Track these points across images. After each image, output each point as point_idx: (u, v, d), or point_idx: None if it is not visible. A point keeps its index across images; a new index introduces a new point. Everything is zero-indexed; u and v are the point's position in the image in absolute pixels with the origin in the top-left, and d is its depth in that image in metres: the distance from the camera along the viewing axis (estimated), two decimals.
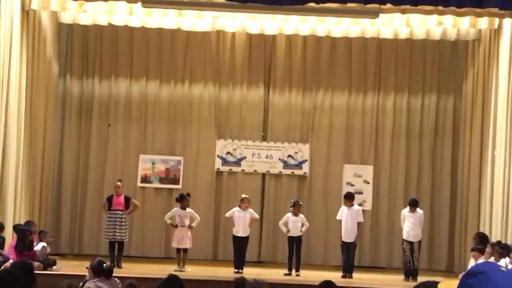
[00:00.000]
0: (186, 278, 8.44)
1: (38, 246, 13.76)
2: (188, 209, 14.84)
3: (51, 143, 16.93)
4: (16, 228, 13.68)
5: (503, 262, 11.89)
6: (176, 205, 15.15)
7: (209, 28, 16.58)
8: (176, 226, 14.80)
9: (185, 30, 16.78)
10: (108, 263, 9.48)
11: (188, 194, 15.04)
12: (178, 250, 14.77)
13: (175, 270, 13.73)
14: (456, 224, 17.19)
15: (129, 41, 17.75)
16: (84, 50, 17.84)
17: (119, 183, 15.25)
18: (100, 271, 8.91)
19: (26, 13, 15.31)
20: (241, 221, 14.98)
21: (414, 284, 14.32)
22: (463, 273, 2.36)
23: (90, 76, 17.84)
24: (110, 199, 15.09)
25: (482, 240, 13.50)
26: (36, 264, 12.47)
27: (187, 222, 14.75)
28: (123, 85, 17.84)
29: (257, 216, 15.45)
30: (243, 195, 15.29)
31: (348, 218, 15.02)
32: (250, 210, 15.16)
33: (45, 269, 12.99)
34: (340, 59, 17.81)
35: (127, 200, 15.15)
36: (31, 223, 14.17)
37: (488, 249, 12.81)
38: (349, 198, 15.21)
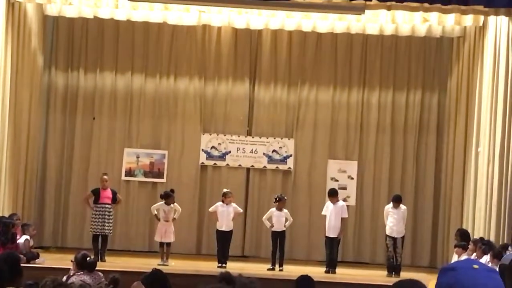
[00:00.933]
0: (169, 272, 8.47)
1: (21, 239, 13.71)
2: (172, 204, 14.83)
3: (35, 135, 16.87)
4: None
5: (484, 258, 11.96)
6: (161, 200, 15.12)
7: (195, 22, 16.56)
8: (159, 220, 14.79)
9: (171, 24, 16.76)
10: (92, 257, 9.48)
11: (172, 190, 15.03)
12: (162, 244, 14.78)
13: (159, 264, 13.73)
14: (439, 220, 17.28)
15: (115, 34, 17.70)
16: (69, 42, 17.78)
17: (106, 177, 15.23)
18: (84, 265, 8.91)
19: (12, 5, 15.24)
20: (225, 215, 14.99)
21: (397, 279, 14.49)
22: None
23: (75, 69, 17.78)
24: (97, 192, 15.03)
25: (464, 237, 13.57)
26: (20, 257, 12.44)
27: (171, 217, 14.76)
28: (108, 78, 17.80)
29: (240, 210, 15.46)
30: (226, 190, 15.30)
31: (332, 214, 15.05)
32: (234, 204, 15.17)
33: (28, 262, 12.93)
34: (325, 54, 17.83)
35: (114, 194, 15.14)
36: (14, 216, 14.12)
37: (471, 246, 12.90)
38: (334, 195, 15.24)
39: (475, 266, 2.28)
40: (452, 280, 2.22)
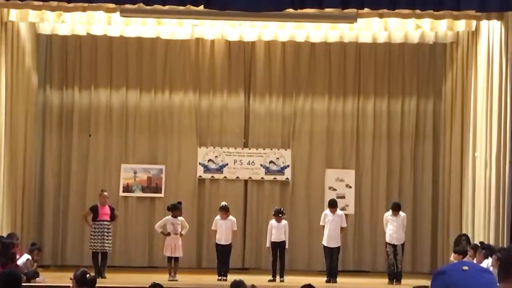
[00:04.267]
0: (171, 287, 8.47)
1: (23, 258, 13.68)
2: (179, 217, 14.79)
3: (32, 154, 16.85)
4: None
5: (486, 262, 11.96)
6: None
7: (188, 36, 16.58)
8: (169, 234, 14.70)
9: (164, 38, 16.79)
10: (92, 274, 9.44)
11: (180, 203, 15.01)
12: (170, 258, 14.68)
13: (169, 280, 13.74)
14: (439, 226, 17.28)
15: (108, 50, 17.72)
16: (63, 60, 17.79)
17: (106, 193, 15.20)
18: (83, 282, 8.86)
19: (4, 24, 15.25)
20: (223, 229, 14.96)
21: (399, 287, 14.36)
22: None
23: (70, 87, 17.78)
24: (95, 210, 15.00)
25: (463, 242, 13.59)
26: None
27: (179, 230, 14.68)
28: (103, 95, 17.80)
29: (235, 228, 15.31)
30: (222, 204, 15.24)
31: (331, 224, 15.04)
32: (231, 218, 15.12)
33: (28, 281, 12.90)
34: (319, 64, 17.87)
35: (112, 210, 15.12)
36: (13, 236, 14.08)
37: (470, 252, 12.90)
38: (333, 205, 15.22)
39: (465, 268, 2.28)
40: (443, 284, 2.22)
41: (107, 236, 14.84)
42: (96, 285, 9.12)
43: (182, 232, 14.73)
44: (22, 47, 16.12)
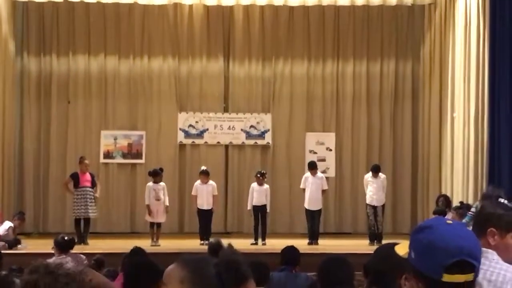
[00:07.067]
0: (155, 251, 8.51)
1: (4, 226, 13.69)
2: (161, 183, 14.80)
3: (10, 122, 16.77)
4: None
5: (463, 222, 12.10)
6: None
7: (166, 1, 16.48)
8: (150, 213, 14.70)
9: (141, 3, 16.68)
10: (70, 237, 9.44)
11: (161, 169, 15.00)
12: (152, 224, 14.73)
13: (151, 245, 13.79)
14: (418, 187, 17.44)
15: (86, 16, 17.58)
16: (40, 27, 17.64)
17: (87, 161, 15.16)
18: (63, 246, 8.90)
19: None
20: (204, 193, 14.99)
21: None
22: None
23: (48, 54, 17.65)
24: (76, 177, 14.96)
25: (447, 202, 13.75)
26: (1, 243, 12.45)
27: (161, 196, 14.71)
28: (81, 62, 17.69)
29: (216, 192, 15.32)
30: (202, 168, 15.28)
31: (312, 186, 15.12)
32: (212, 182, 15.14)
33: (10, 248, 12.92)
34: (298, 27, 17.84)
35: (92, 177, 15.09)
36: None
37: (452, 214, 13.02)
38: (313, 167, 15.29)
39: (449, 221, 2.34)
40: (431, 236, 2.27)
41: (90, 202, 14.84)
42: (79, 251, 9.18)
43: (166, 204, 14.72)
44: None
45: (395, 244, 2.79)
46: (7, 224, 13.81)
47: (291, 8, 17.34)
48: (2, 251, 9.31)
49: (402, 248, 2.49)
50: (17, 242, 13.57)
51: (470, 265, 2.24)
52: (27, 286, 2.51)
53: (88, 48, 17.67)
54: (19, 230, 14.73)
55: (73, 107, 17.60)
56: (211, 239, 7.50)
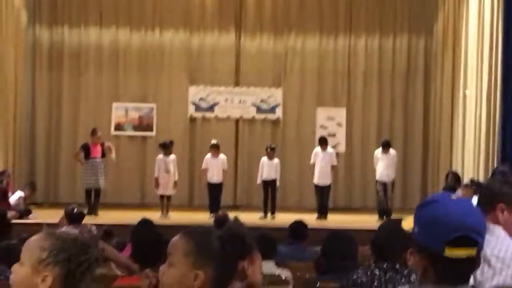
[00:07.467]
0: (164, 224, 8.52)
1: (15, 195, 13.78)
2: (171, 156, 14.85)
3: (22, 93, 16.81)
4: None
5: (475, 198, 12.07)
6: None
7: None
8: (157, 186, 14.73)
9: None
10: (79, 209, 9.49)
11: (171, 142, 15.04)
12: (162, 197, 14.81)
13: (161, 217, 13.86)
14: (429, 163, 17.40)
15: None
16: None
17: (100, 133, 15.22)
18: (73, 218, 8.95)
19: None
20: (214, 167, 15.04)
21: None
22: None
23: (60, 25, 17.66)
24: (87, 148, 15.04)
25: (456, 179, 13.69)
26: (12, 213, 12.52)
27: (171, 168, 14.75)
28: (93, 33, 17.69)
29: (226, 166, 15.36)
30: (212, 141, 15.31)
31: (322, 162, 15.12)
32: (222, 156, 15.17)
33: (20, 218, 13.01)
34: (310, 1, 17.74)
35: (103, 147, 15.17)
36: (4, 173, 14.14)
37: (463, 190, 12.96)
38: (324, 142, 15.28)
39: (454, 197, 2.33)
40: (435, 211, 2.27)
41: (100, 173, 14.92)
42: (89, 222, 9.22)
43: (175, 177, 14.75)
44: None
45: (401, 219, 2.79)
46: (18, 194, 13.90)
47: None
48: (13, 221, 9.39)
49: (409, 223, 2.50)
50: (28, 212, 13.67)
51: (473, 240, 2.24)
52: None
53: (100, 20, 17.66)
54: (30, 200, 14.83)
55: (85, 79, 17.63)
56: (217, 213, 7.50)
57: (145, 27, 17.74)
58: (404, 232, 2.57)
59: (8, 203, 13.34)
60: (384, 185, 15.13)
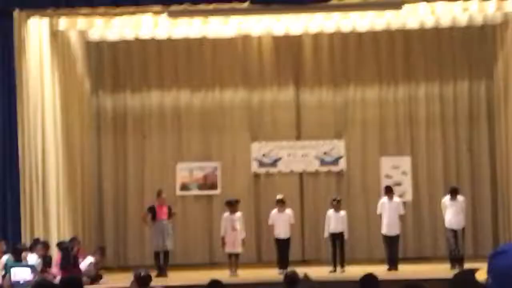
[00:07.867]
0: (233, 283, 8.52)
1: (86, 261, 13.95)
2: (237, 213, 14.91)
3: (89, 158, 17.14)
4: (59, 245, 13.89)
5: None
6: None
7: (235, 33, 16.67)
8: (224, 245, 14.80)
9: (211, 38, 16.91)
10: (146, 273, 9.52)
11: (237, 201, 15.11)
12: (230, 255, 14.83)
13: (230, 276, 13.85)
14: (499, 208, 17.07)
15: (158, 52, 17.90)
16: (114, 65, 18.04)
17: (164, 195, 15.42)
18: (140, 280, 8.98)
19: (54, 34, 15.48)
20: (281, 222, 15.02)
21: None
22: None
23: (122, 90, 18.04)
24: (153, 210, 15.23)
25: None
26: (83, 279, 12.65)
27: (238, 226, 14.79)
28: (155, 97, 18.01)
29: (293, 221, 15.36)
30: (278, 197, 15.32)
31: (389, 211, 15.00)
32: (288, 211, 15.16)
33: (91, 283, 13.14)
34: (367, 53, 17.78)
35: (169, 209, 15.32)
36: (74, 240, 14.36)
37: None
38: (389, 191, 15.17)
39: None
40: (507, 263, 2.23)
41: (167, 235, 15.05)
42: (159, 284, 9.26)
43: (242, 235, 14.79)
44: (73, 55, 16.40)
45: (475, 270, 2.75)
46: (89, 259, 14.07)
47: (360, 34, 17.31)
48: (85, 286, 9.48)
49: (483, 274, 2.46)
50: (99, 277, 13.81)
51: None
52: None
53: (161, 83, 17.99)
54: (100, 265, 14.99)
55: (149, 141, 17.89)
56: (287, 271, 7.47)
57: (206, 86, 17.99)
58: (478, 284, 2.53)
59: (79, 269, 13.51)
60: (455, 232, 14.88)
